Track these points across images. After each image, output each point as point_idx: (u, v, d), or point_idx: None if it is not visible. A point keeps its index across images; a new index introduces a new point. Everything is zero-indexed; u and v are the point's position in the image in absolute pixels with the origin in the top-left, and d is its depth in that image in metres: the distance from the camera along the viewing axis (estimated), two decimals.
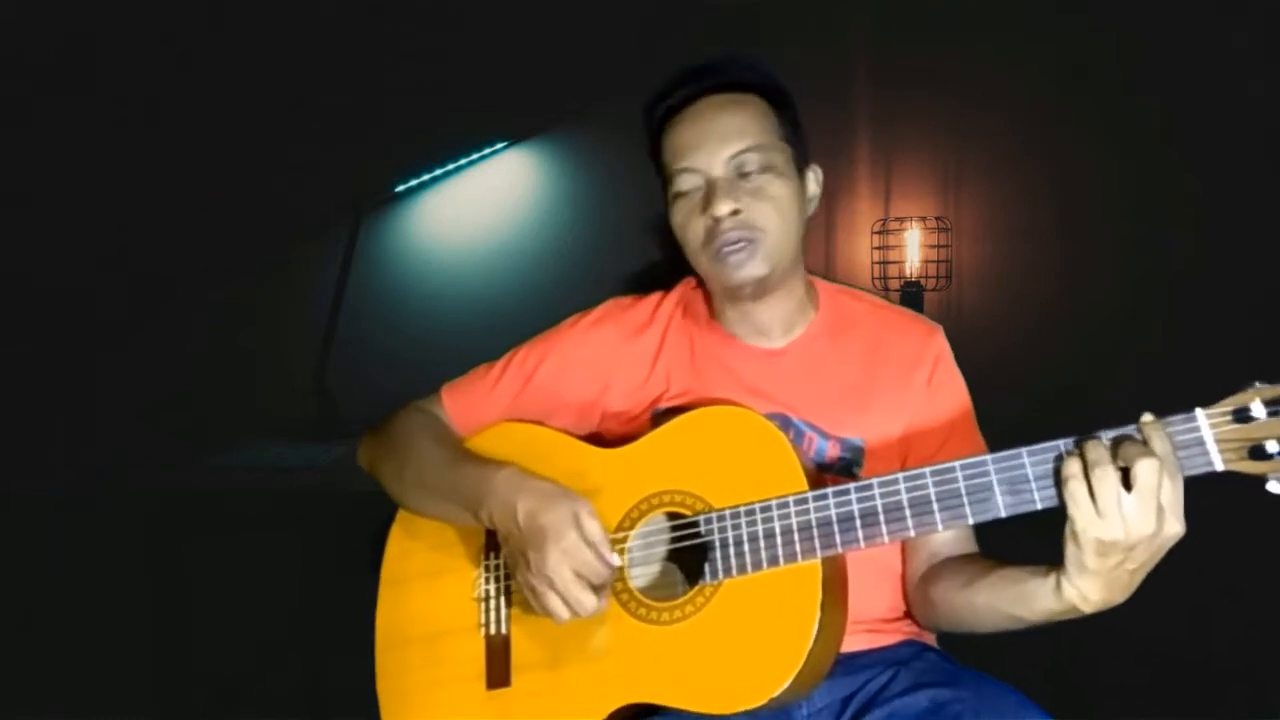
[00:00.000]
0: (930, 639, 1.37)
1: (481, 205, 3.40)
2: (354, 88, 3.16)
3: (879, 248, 3.17)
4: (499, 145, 3.36)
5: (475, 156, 3.34)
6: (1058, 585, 1.06)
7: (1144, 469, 0.97)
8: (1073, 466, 1.00)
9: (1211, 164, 3.03)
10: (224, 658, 2.62)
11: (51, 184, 3.03)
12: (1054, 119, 3.20)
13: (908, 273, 3.14)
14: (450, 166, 3.32)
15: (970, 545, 1.30)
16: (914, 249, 3.15)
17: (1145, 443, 1.00)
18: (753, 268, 1.29)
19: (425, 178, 3.32)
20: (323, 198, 3.20)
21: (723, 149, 1.29)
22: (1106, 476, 0.98)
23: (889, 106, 3.27)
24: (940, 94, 3.23)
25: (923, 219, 3.17)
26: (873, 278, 3.15)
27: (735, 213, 1.27)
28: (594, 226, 3.33)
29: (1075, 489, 1.00)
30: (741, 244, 1.28)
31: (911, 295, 3.09)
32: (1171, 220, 3.11)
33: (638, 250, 3.22)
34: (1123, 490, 0.98)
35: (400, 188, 3.31)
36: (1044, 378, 3.07)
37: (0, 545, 2.64)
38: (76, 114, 3.05)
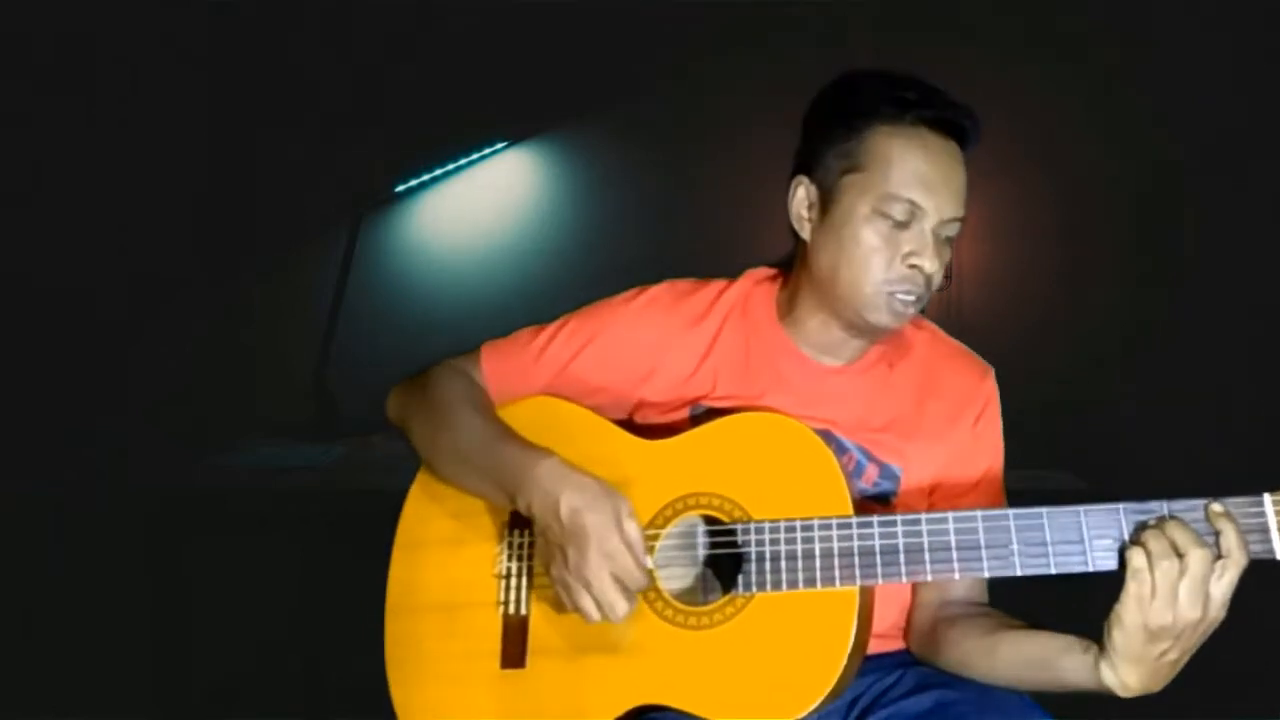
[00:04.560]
0: None
1: (481, 205, 3.39)
2: (354, 88, 3.16)
3: None
4: (499, 145, 3.35)
5: (475, 156, 3.34)
6: (1095, 666, 1.06)
7: (1196, 559, 1.00)
8: (1138, 559, 1.02)
9: (1212, 164, 3.03)
10: (224, 658, 2.62)
11: (51, 184, 3.03)
12: (1054, 119, 3.20)
13: None
14: (450, 166, 3.32)
15: (984, 595, 1.29)
16: None
17: (1217, 533, 1.02)
18: (906, 320, 1.28)
19: (425, 178, 3.32)
20: (323, 198, 3.20)
21: (950, 206, 1.24)
22: (1171, 570, 1.00)
23: None
24: None
25: None
26: None
27: (933, 274, 1.24)
28: (593, 226, 3.33)
29: (1139, 581, 1.02)
30: (916, 300, 1.25)
31: None
32: (1172, 220, 3.11)
33: (637, 250, 3.23)
34: (1182, 579, 1.00)
35: (400, 188, 3.31)
36: (1044, 378, 3.06)
37: (0, 545, 2.64)
38: (76, 114, 3.05)
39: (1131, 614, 1.01)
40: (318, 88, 3.15)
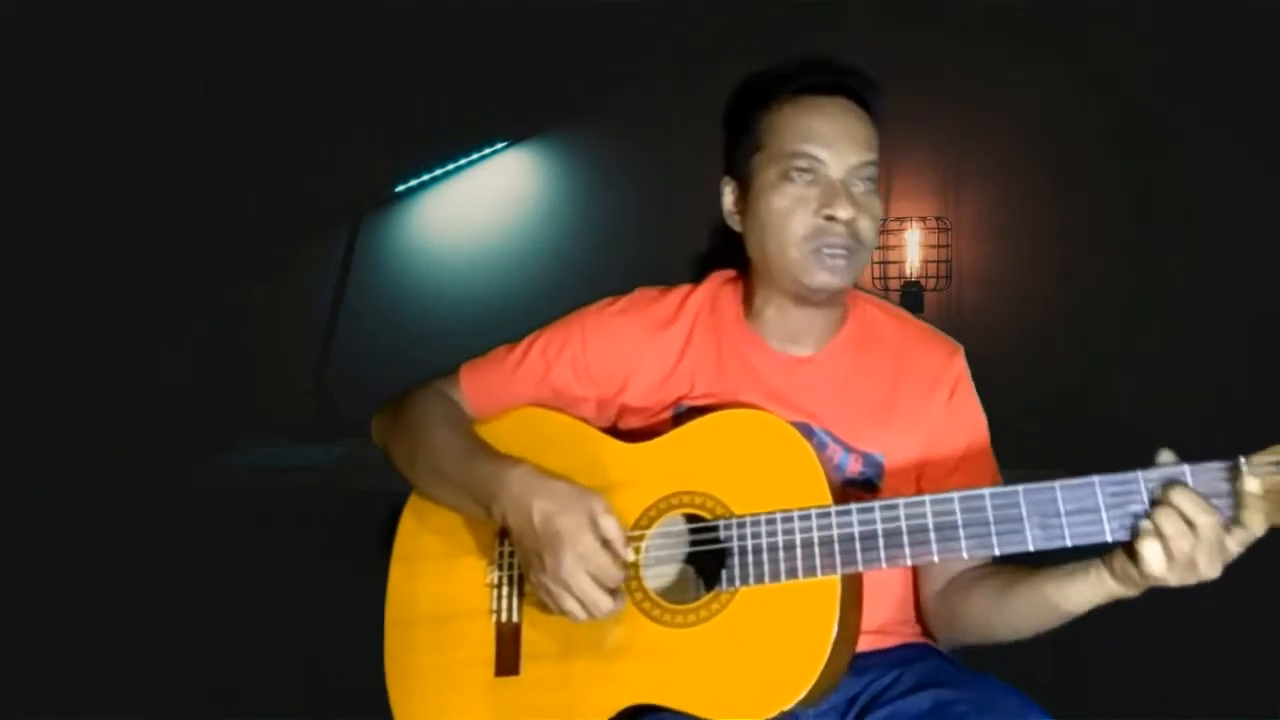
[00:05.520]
0: (933, 641, 1.37)
1: (481, 205, 3.40)
2: (354, 88, 3.17)
3: (879, 248, 3.15)
4: (499, 145, 3.36)
5: (475, 156, 3.35)
6: (1107, 579, 1.08)
7: (1206, 526, 1.01)
8: (1147, 530, 1.02)
9: (1211, 164, 3.03)
10: (224, 658, 2.62)
11: (51, 184, 3.04)
12: (1054, 119, 3.21)
13: (908, 273, 3.14)
14: (450, 166, 3.33)
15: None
16: (914, 249, 3.15)
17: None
18: (843, 277, 1.27)
19: (425, 178, 3.32)
20: (323, 198, 3.20)
21: (853, 154, 1.27)
22: (1184, 538, 1.01)
23: (889, 106, 3.27)
24: (940, 94, 3.23)
25: (923, 219, 3.18)
26: (873, 278, 3.15)
27: (850, 220, 1.26)
28: (593, 226, 3.34)
29: (1150, 544, 1.02)
30: (844, 252, 1.26)
31: (911, 295, 3.08)
32: (1171, 220, 3.11)
33: (637, 250, 3.23)
34: (1199, 548, 1.01)
35: (400, 188, 3.31)
36: (1044, 378, 3.07)
37: (0, 545, 2.64)
38: (76, 114, 3.05)
39: (1154, 576, 1.03)
40: (318, 88, 3.15)
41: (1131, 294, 3.15)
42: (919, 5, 3.23)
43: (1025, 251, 3.26)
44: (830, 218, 1.25)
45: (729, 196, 1.36)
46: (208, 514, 2.66)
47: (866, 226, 1.27)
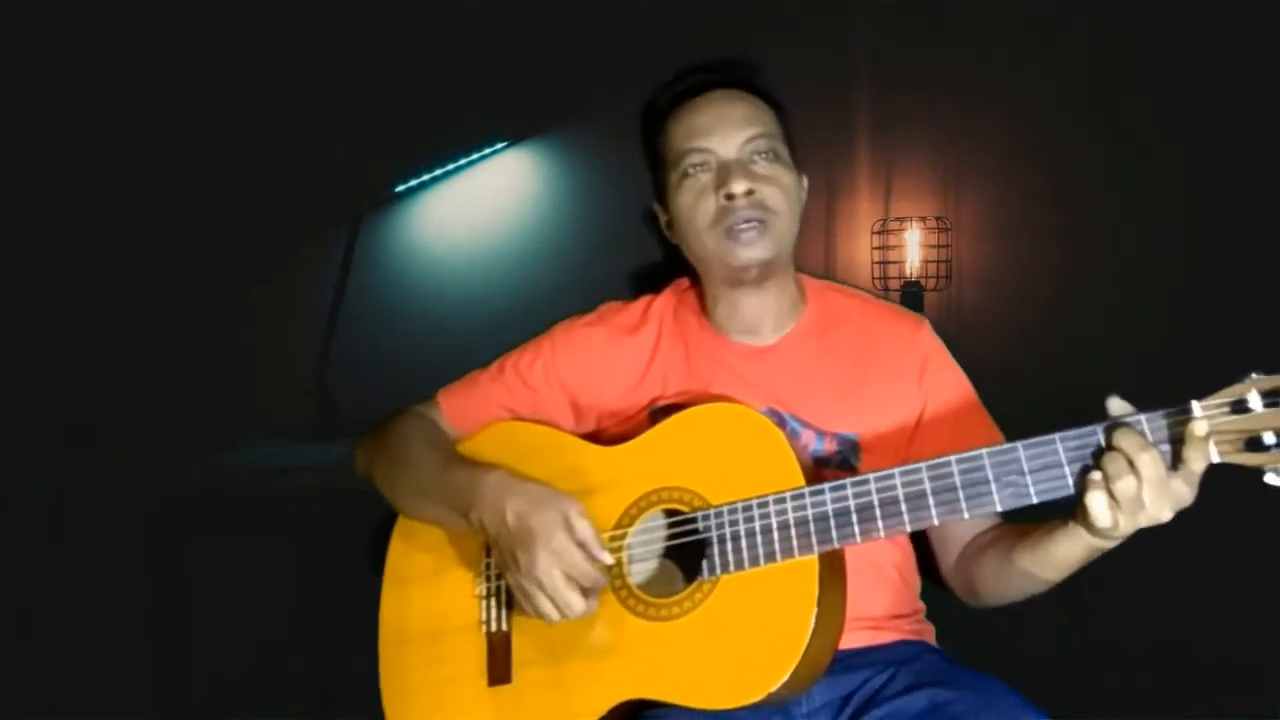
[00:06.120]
0: (930, 639, 1.37)
1: (481, 205, 3.40)
2: (354, 88, 3.17)
3: (879, 248, 3.17)
4: (499, 145, 3.36)
5: (475, 156, 3.34)
6: (1082, 532, 1.08)
7: (1147, 462, 1.01)
8: (1095, 479, 1.03)
9: (1210, 164, 3.03)
10: (224, 658, 2.62)
11: (51, 184, 3.04)
12: (1054, 119, 3.20)
13: (908, 273, 3.15)
14: (450, 166, 3.33)
15: (990, 519, 1.31)
16: (914, 249, 3.15)
17: (1142, 434, 1.03)
18: (761, 248, 1.31)
19: (425, 178, 3.32)
20: (323, 198, 3.20)
21: (738, 133, 1.32)
22: (1129, 487, 1.01)
23: (889, 106, 3.28)
24: (940, 94, 3.23)
25: (923, 219, 3.18)
26: (873, 278, 3.15)
27: (749, 193, 1.30)
28: (593, 226, 3.33)
29: (1097, 497, 1.03)
30: (754, 224, 1.30)
31: (911, 295, 3.09)
32: (1171, 220, 3.11)
33: (637, 250, 3.23)
34: (1143, 487, 1.01)
35: (400, 188, 3.31)
36: (1044, 377, 3.06)
37: (0, 545, 2.64)
38: (76, 114, 3.05)
39: (1100, 527, 1.03)
40: (317, 87, 3.15)
41: (1131, 294, 3.15)
42: (919, 5, 3.23)
43: (1025, 251, 3.26)
44: (729, 196, 1.30)
45: (661, 217, 1.43)
46: (208, 514, 2.66)
47: (772, 194, 1.32)
